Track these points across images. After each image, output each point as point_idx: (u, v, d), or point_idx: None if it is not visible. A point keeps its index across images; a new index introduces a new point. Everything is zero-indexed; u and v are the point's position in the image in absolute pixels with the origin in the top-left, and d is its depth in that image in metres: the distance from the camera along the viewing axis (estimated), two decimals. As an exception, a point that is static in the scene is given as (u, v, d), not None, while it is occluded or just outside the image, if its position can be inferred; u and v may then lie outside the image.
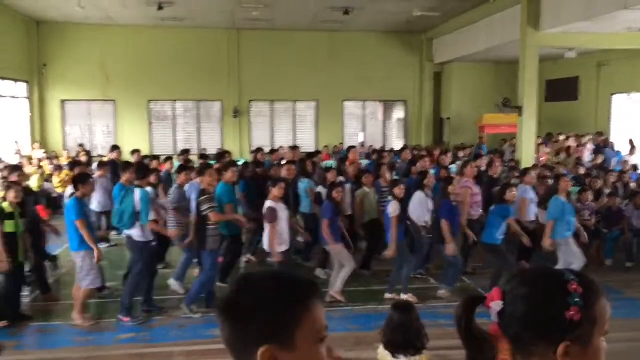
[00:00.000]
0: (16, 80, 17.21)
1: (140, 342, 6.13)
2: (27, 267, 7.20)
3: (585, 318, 1.15)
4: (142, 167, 7.37)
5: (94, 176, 9.15)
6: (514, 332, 1.20)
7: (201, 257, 6.94)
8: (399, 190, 7.25)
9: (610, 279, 7.99)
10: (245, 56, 19.54)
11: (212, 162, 9.82)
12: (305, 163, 9.28)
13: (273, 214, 6.74)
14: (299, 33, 19.45)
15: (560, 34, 13.07)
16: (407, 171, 10.00)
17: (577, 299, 1.15)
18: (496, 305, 1.23)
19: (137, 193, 6.69)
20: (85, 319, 6.53)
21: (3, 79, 16.29)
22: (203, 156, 12.59)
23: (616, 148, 15.10)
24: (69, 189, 7.75)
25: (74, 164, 9.75)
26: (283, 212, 6.91)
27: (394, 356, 3.47)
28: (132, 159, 11.66)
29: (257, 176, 9.31)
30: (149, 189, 7.23)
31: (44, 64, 18.30)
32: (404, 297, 7.05)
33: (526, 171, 8.94)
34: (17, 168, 8.26)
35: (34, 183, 13.15)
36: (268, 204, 6.85)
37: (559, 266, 7.24)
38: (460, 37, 17.61)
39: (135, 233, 6.63)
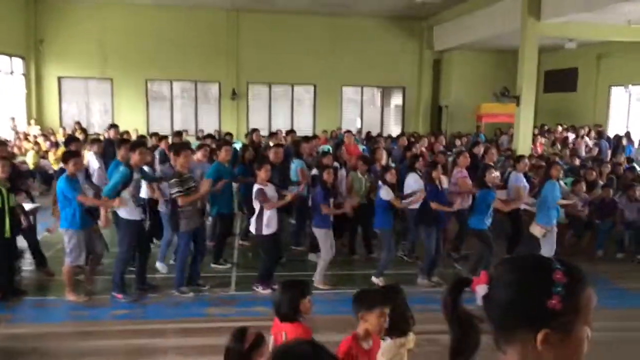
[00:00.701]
0: (12, 56, 17.08)
1: (134, 318, 6.19)
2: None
3: (567, 307, 1.15)
4: (136, 144, 7.24)
5: (89, 153, 9.12)
6: (497, 317, 1.21)
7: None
8: (391, 176, 7.31)
9: (601, 269, 8.08)
10: (244, 38, 19.40)
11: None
12: (300, 146, 9.25)
13: (262, 194, 6.68)
14: (299, 16, 19.31)
15: (560, 24, 13.05)
16: (402, 156, 10.02)
17: (559, 288, 1.15)
18: (481, 288, 1.24)
19: (120, 169, 6.63)
20: (78, 295, 6.59)
21: (-1, 54, 16.22)
22: (209, 136, 12.31)
23: (625, 142, 15.02)
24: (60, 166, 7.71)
25: (69, 140, 9.63)
26: (272, 194, 6.86)
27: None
28: (110, 134, 11.69)
29: (250, 160, 9.22)
30: (145, 167, 7.21)
31: (40, 40, 18.14)
32: (375, 280, 7.22)
33: (519, 158, 9.04)
34: (1, 143, 8.21)
35: (29, 159, 13.16)
36: (256, 187, 6.78)
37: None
38: (461, 24, 17.51)
39: (121, 210, 6.57)
